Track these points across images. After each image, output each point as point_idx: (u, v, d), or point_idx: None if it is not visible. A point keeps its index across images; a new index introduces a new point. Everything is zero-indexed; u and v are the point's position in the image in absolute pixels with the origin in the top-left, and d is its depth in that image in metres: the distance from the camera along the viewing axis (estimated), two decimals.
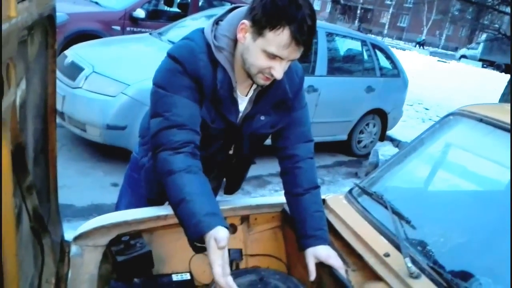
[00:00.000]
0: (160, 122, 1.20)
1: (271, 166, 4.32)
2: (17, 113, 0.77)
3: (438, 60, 20.26)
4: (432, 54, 27.31)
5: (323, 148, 5.12)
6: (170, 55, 1.24)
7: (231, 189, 1.73)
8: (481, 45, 27.11)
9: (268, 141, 1.51)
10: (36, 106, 1.06)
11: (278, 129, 1.42)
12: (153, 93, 1.24)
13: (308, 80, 4.41)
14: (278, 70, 1.16)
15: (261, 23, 1.11)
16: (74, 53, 3.88)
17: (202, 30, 1.28)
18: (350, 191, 1.77)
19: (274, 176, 4.18)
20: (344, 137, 5.16)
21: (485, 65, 24.93)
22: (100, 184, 3.25)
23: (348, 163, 5.18)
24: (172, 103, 1.19)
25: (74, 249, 1.25)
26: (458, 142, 1.84)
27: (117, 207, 1.72)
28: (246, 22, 1.16)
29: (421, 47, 24.63)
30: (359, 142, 5.37)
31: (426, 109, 8.78)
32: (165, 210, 1.40)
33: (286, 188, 1.46)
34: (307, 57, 4.72)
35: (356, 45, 5.33)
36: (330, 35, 4.85)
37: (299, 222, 1.37)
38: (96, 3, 6.46)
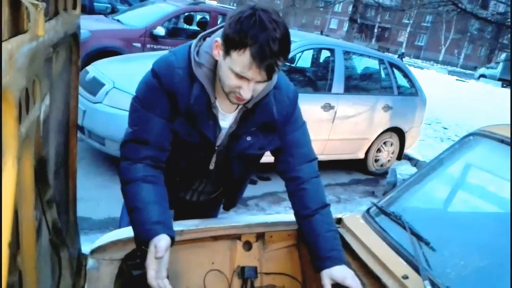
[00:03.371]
0: (128, 134, 1.27)
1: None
2: (41, 128, 0.79)
3: (457, 79, 20.04)
4: (451, 73, 27.05)
5: (340, 165, 5.08)
6: (152, 68, 1.27)
7: (227, 205, 1.73)
8: (501, 64, 26.75)
9: None
10: (59, 120, 1.09)
11: (277, 153, 1.41)
12: (131, 103, 1.29)
13: (324, 98, 4.48)
14: (245, 91, 1.14)
15: (228, 42, 1.10)
16: (96, 69, 3.98)
17: (190, 45, 1.28)
18: (367, 211, 1.75)
19: None
20: (361, 155, 5.11)
21: (504, 85, 24.54)
22: (117, 197, 3.24)
23: (365, 181, 5.12)
24: (142, 119, 1.25)
25: (90, 262, 1.26)
26: (478, 162, 1.81)
27: (121, 218, 1.72)
28: (219, 40, 1.15)
29: (401, 59, 24.88)
30: (376, 160, 5.31)
31: (445, 128, 8.66)
32: (180, 226, 1.40)
33: (295, 210, 1.43)
34: (323, 76, 4.74)
35: (373, 64, 5.32)
36: (347, 53, 4.86)
37: (312, 244, 1.35)
38: (118, 21, 6.65)
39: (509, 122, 1.79)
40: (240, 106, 1.29)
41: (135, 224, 1.19)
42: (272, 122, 1.32)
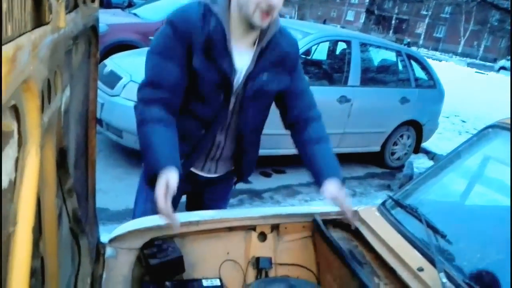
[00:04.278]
0: (144, 79, 1.36)
1: (300, 176, 4.31)
2: (62, 119, 0.81)
3: (476, 72, 19.63)
4: (470, 65, 26.49)
5: (355, 158, 5.04)
6: (166, 19, 1.36)
7: (241, 174, 1.70)
8: None
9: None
10: (79, 112, 1.11)
11: (287, 99, 1.53)
12: (146, 55, 1.38)
13: (340, 90, 4.44)
14: None
15: None
16: (113, 63, 4.03)
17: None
18: (383, 203, 1.74)
19: (304, 186, 4.15)
20: (377, 148, 5.06)
21: None
22: (134, 189, 3.31)
23: (380, 175, 5.08)
24: (155, 65, 1.34)
25: (109, 251, 1.29)
26: (496, 155, 1.78)
27: (135, 206, 1.75)
28: None
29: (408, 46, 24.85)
30: (393, 154, 5.26)
31: (463, 121, 8.51)
32: (197, 216, 1.43)
33: (303, 136, 1.55)
34: (339, 69, 4.70)
35: (390, 56, 5.25)
36: (364, 45, 4.80)
37: (319, 162, 1.53)
38: (135, 14, 6.70)
39: None
40: (255, 45, 1.40)
41: (147, 163, 1.28)
42: (284, 57, 1.46)
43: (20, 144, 0.51)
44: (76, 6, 0.95)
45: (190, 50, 1.32)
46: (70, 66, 0.95)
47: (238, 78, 1.41)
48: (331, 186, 1.47)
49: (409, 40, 37.41)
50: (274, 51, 1.43)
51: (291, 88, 1.53)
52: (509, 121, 1.68)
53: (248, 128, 1.52)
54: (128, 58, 4.28)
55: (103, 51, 5.30)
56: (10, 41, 0.42)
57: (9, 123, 0.46)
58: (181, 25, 1.32)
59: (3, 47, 0.38)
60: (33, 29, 0.58)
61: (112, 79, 3.76)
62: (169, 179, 1.20)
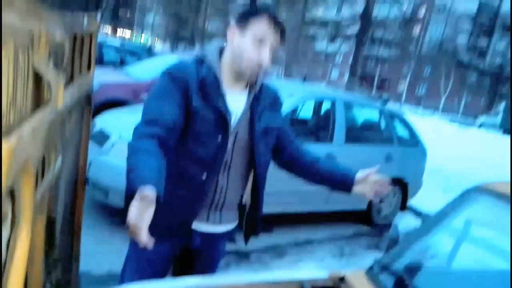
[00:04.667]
0: (141, 119, 1.42)
1: (288, 235, 4.26)
2: (52, 189, 0.82)
3: (458, 127, 20.24)
4: (452, 121, 27.37)
5: (343, 218, 5.03)
6: (161, 73, 1.49)
7: (248, 230, 1.74)
8: (501, 113, 27.11)
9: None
10: (68, 179, 1.12)
11: (282, 139, 1.67)
12: (144, 102, 1.47)
13: (326, 148, 4.52)
14: (265, 54, 1.43)
15: (246, 17, 1.45)
16: (103, 121, 4.08)
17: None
18: (371, 268, 1.73)
19: (292, 246, 4.09)
20: (364, 207, 5.08)
21: (506, 132, 24.72)
22: (118, 252, 3.23)
23: (368, 233, 5.04)
24: (153, 106, 1.42)
25: None
26: (479, 219, 1.81)
27: (123, 272, 1.66)
28: (233, 24, 1.47)
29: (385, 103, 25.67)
30: (379, 212, 5.27)
31: (447, 178, 8.63)
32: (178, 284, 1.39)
33: (306, 162, 1.69)
34: (324, 127, 4.83)
35: (373, 114, 5.43)
36: (347, 104, 4.97)
37: (334, 169, 1.72)
38: (127, 73, 6.88)
39: (509, 176, 1.81)
40: (247, 89, 1.55)
41: (128, 181, 1.20)
42: (275, 98, 1.65)
43: (13, 224, 0.52)
44: (72, 77, 1.00)
45: (187, 94, 1.43)
46: (63, 135, 0.98)
47: (234, 120, 1.51)
48: (362, 175, 1.70)
49: (387, 97, 38.88)
50: (268, 94, 1.60)
51: (283, 127, 1.69)
52: (489, 186, 1.73)
53: (261, 164, 1.60)
54: (118, 116, 4.34)
55: (94, 109, 5.37)
56: (12, 131, 0.45)
57: (6, 206, 0.47)
58: (177, 73, 1.45)
59: (6, 139, 0.40)
60: (33, 111, 0.61)
61: (101, 138, 3.78)
62: (147, 196, 1.10)
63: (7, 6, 0.41)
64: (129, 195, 1.16)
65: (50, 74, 0.58)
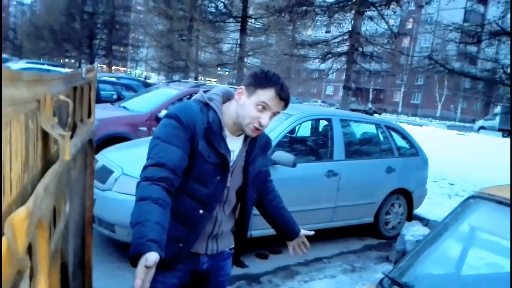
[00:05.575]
0: (148, 161, 1.49)
1: (298, 256, 4.24)
2: (63, 236, 0.86)
3: (457, 133, 20.29)
4: (450, 127, 27.43)
5: (350, 232, 5.03)
6: (167, 115, 1.58)
7: (238, 250, 1.86)
8: (498, 115, 27.21)
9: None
10: (76, 222, 1.16)
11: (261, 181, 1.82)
12: (151, 142, 1.55)
13: (327, 165, 4.57)
14: (265, 119, 1.55)
15: (255, 84, 1.56)
16: (104, 157, 4.13)
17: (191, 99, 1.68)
18: (380, 282, 1.75)
19: (302, 266, 4.08)
20: (371, 219, 5.08)
21: (505, 135, 24.75)
22: (128, 285, 3.24)
23: (378, 246, 5.03)
24: (160, 149, 1.50)
25: None
26: (481, 225, 1.84)
27: None
28: (243, 87, 1.59)
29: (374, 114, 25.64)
30: (387, 223, 5.26)
31: (451, 184, 8.63)
32: None
33: (273, 204, 1.89)
34: (323, 144, 4.88)
35: (370, 128, 5.49)
36: (344, 121, 5.04)
37: (289, 222, 1.91)
38: (124, 107, 6.98)
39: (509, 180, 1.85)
40: (242, 136, 1.66)
41: (135, 236, 1.33)
42: (267, 142, 1.80)
43: (32, 276, 0.56)
44: (75, 127, 1.05)
45: (194, 138, 1.53)
46: (70, 183, 1.02)
47: (232, 158, 1.64)
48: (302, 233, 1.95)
49: (371, 107, 39.30)
50: (261, 139, 1.74)
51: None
52: (488, 191, 1.76)
53: (250, 203, 1.78)
54: (119, 151, 4.39)
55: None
56: (26, 193, 0.49)
57: (25, 264, 0.51)
58: (185, 117, 1.53)
59: (27, 203, 0.44)
60: (42, 167, 0.65)
61: (104, 174, 3.82)
62: (149, 260, 1.23)
63: (17, 80, 0.46)
64: (135, 254, 1.28)
65: (56, 132, 0.63)
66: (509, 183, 1.83)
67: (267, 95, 1.54)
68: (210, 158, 1.56)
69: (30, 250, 0.56)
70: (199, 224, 1.60)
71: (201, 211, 1.59)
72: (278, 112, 1.59)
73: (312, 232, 1.96)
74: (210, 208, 1.61)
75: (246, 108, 1.56)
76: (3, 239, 0.38)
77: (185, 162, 1.52)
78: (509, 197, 1.61)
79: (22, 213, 0.42)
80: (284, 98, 1.57)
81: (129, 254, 1.32)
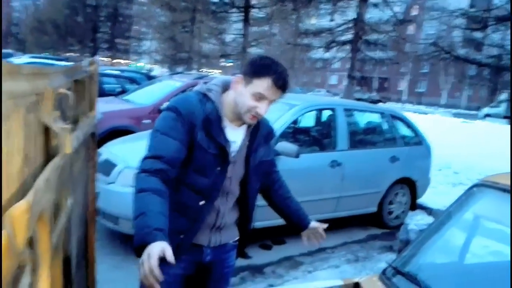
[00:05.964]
0: (147, 152, 1.51)
1: (301, 245, 4.25)
2: (66, 230, 0.86)
3: (463, 121, 20.17)
4: (455, 115, 27.24)
5: (354, 221, 5.03)
6: (166, 107, 1.58)
7: (242, 243, 1.86)
8: (504, 103, 26.98)
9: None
10: (79, 215, 1.17)
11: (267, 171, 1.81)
12: (150, 134, 1.57)
13: (331, 155, 4.56)
14: (262, 108, 1.54)
15: (252, 73, 1.53)
16: (108, 150, 4.15)
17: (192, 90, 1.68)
18: (384, 272, 1.75)
19: (305, 256, 4.10)
20: (374, 209, 5.08)
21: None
22: (133, 277, 3.26)
23: (381, 236, 5.03)
24: (158, 141, 1.52)
25: None
26: (486, 213, 1.83)
27: None
28: (240, 75, 1.57)
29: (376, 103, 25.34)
30: (390, 213, 5.26)
31: (456, 173, 8.59)
32: None
33: (279, 194, 1.88)
34: (327, 135, 4.87)
35: (374, 118, 5.46)
36: (348, 110, 5.01)
37: (297, 212, 1.89)
38: (127, 100, 6.99)
39: None
40: (245, 125, 1.65)
41: (138, 227, 1.35)
42: (269, 131, 1.78)
43: (34, 269, 0.57)
44: (77, 120, 1.05)
45: (193, 130, 1.53)
46: (72, 176, 1.03)
47: (234, 149, 1.63)
48: (313, 224, 1.89)
49: (377, 97, 38.95)
50: (263, 129, 1.72)
51: (272, 157, 1.86)
52: (492, 179, 1.76)
53: (253, 193, 1.75)
54: (122, 145, 4.40)
55: (98, 139, 5.45)
56: (27, 186, 0.49)
57: (26, 258, 0.51)
58: (184, 108, 1.53)
59: (27, 196, 0.45)
60: (43, 161, 0.66)
61: (107, 167, 3.84)
62: (165, 249, 1.26)
63: (16, 74, 0.46)
64: (139, 245, 1.30)
65: (57, 126, 0.63)
66: None
67: (263, 85, 1.51)
68: (210, 149, 1.56)
69: (31, 243, 0.57)
70: (200, 215, 1.60)
71: (201, 202, 1.59)
72: (277, 99, 1.58)
73: (325, 225, 1.91)
74: (210, 199, 1.61)
75: (243, 97, 1.54)
76: (3, 232, 0.38)
77: (183, 153, 1.53)
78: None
79: (22, 207, 0.43)
80: (281, 87, 1.54)
81: (134, 244, 1.33)
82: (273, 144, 1.90)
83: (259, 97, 1.52)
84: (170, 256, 1.25)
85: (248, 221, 1.81)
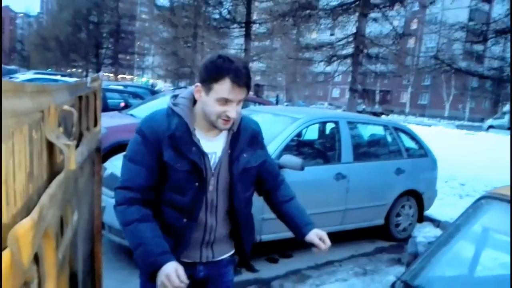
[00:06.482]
0: (118, 184, 1.51)
1: (308, 258, 4.22)
2: (72, 245, 0.85)
3: (466, 133, 20.11)
4: (459, 127, 27.18)
5: (361, 234, 4.98)
6: (136, 129, 1.53)
7: (241, 259, 1.78)
8: (507, 114, 26.93)
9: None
10: (85, 230, 1.16)
11: (261, 174, 1.70)
12: (122, 161, 1.54)
13: (335, 168, 4.54)
14: (232, 111, 1.44)
15: (208, 80, 1.43)
16: (113, 165, 4.15)
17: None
18: (393, 285, 1.73)
19: (312, 269, 4.05)
20: (381, 221, 5.03)
21: None
22: None
23: (389, 248, 4.98)
24: (126, 170, 1.51)
25: None
26: (494, 225, 1.81)
27: None
28: (199, 84, 1.48)
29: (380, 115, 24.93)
30: (397, 225, 5.21)
31: (462, 184, 8.53)
32: None
33: (277, 199, 1.77)
34: (331, 147, 4.86)
35: (378, 130, 5.45)
36: (351, 123, 5.01)
37: (297, 217, 1.73)
38: (131, 115, 7.01)
39: None
40: (225, 131, 1.56)
41: (142, 258, 1.40)
42: (255, 135, 1.65)
43: (40, 285, 0.56)
44: (81, 136, 1.05)
45: (160, 148, 1.47)
46: (77, 191, 1.02)
47: (214, 162, 1.55)
48: (315, 232, 1.70)
49: (380, 109, 38.49)
50: (246, 132, 1.60)
51: (266, 161, 1.72)
52: (499, 191, 1.74)
53: (240, 203, 1.63)
54: None
55: (102, 153, 5.46)
56: (32, 203, 0.49)
57: (32, 274, 0.50)
58: (148, 130, 1.48)
59: (32, 214, 0.44)
60: (48, 177, 0.65)
61: (113, 181, 3.81)
62: (178, 269, 1.32)
63: (20, 92, 0.46)
64: (151, 272, 1.36)
65: (61, 142, 0.63)
66: None
67: (223, 88, 1.41)
68: (180, 166, 1.49)
69: (37, 259, 0.56)
70: (185, 233, 1.54)
71: (184, 220, 1.54)
72: (244, 98, 1.48)
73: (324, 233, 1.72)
74: (193, 216, 1.54)
75: (209, 106, 1.46)
76: (6, 252, 0.37)
77: (151, 180, 1.49)
78: None
79: (26, 225, 0.42)
80: (242, 85, 1.43)
81: (146, 273, 1.40)
82: (263, 146, 1.72)
83: (225, 101, 1.43)
84: (182, 276, 1.30)
85: (243, 232, 1.69)
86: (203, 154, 1.51)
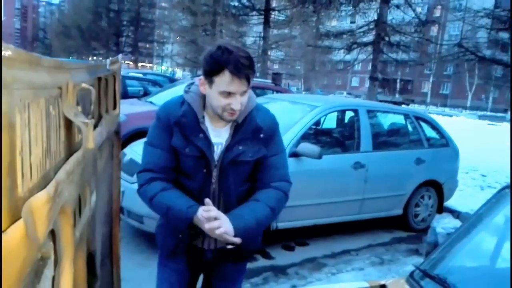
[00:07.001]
0: (140, 166, 1.58)
1: (324, 247, 4.21)
2: (90, 225, 0.86)
3: (489, 124, 19.61)
4: (481, 118, 26.53)
5: (379, 224, 4.93)
6: (155, 115, 1.58)
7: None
8: None
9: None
10: (104, 212, 1.17)
11: (259, 168, 1.60)
12: (143, 145, 1.60)
13: (354, 157, 4.49)
14: (235, 104, 1.43)
15: (209, 73, 1.42)
16: (132, 151, 4.20)
17: None
18: (411, 275, 1.70)
19: (329, 258, 4.04)
20: (399, 211, 4.97)
21: None
22: (155, 276, 3.29)
23: (407, 239, 4.92)
24: (147, 153, 1.57)
25: None
26: None
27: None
28: (202, 77, 1.49)
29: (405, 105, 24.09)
30: (416, 216, 5.14)
31: (483, 175, 8.35)
32: None
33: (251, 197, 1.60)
34: (350, 136, 4.80)
35: (399, 119, 5.35)
36: (371, 111, 4.93)
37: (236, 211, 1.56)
38: (151, 102, 7.07)
39: None
40: (231, 123, 1.55)
41: (174, 217, 1.48)
42: (258, 130, 1.57)
43: (56, 262, 0.56)
44: (100, 117, 1.05)
45: (172, 132, 1.52)
46: (95, 172, 1.03)
47: (218, 150, 1.56)
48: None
49: (401, 99, 37.36)
50: (249, 126, 1.56)
51: (262, 160, 1.60)
52: None
53: (231, 196, 1.59)
54: None
55: (122, 140, 5.53)
56: (48, 178, 0.49)
57: (48, 250, 0.51)
58: (163, 115, 1.54)
59: (47, 187, 0.44)
60: (66, 153, 0.65)
61: (132, 167, 3.88)
62: (203, 208, 1.42)
63: (36, 65, 0.45)
64: (187, 225, 1.43)
65: (79, 120, 0.63)
66: None
67: (223, 81, 1.39)
68: (189, 151, 1.52)
69: (54, 237, 0.56)
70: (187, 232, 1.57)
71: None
72: (247, 89, 1.44)
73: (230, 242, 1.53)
74: (200, 202, 1.52)
75: (213, 99, 1.45)
76: (20, 222, 0.37)
77: (170, 161, 1.54)
78: None
79: (42, 198, 0.42)
80: (243, 76, 1.39)
81: (182, 228, 1.50)
82: (268, 144, 1.61)
83: (227, 94, 1.41)
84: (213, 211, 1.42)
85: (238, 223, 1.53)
86: (209, 143, 1.53)
